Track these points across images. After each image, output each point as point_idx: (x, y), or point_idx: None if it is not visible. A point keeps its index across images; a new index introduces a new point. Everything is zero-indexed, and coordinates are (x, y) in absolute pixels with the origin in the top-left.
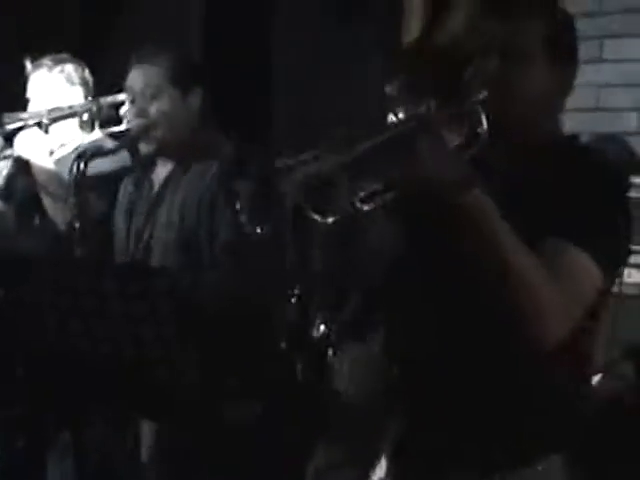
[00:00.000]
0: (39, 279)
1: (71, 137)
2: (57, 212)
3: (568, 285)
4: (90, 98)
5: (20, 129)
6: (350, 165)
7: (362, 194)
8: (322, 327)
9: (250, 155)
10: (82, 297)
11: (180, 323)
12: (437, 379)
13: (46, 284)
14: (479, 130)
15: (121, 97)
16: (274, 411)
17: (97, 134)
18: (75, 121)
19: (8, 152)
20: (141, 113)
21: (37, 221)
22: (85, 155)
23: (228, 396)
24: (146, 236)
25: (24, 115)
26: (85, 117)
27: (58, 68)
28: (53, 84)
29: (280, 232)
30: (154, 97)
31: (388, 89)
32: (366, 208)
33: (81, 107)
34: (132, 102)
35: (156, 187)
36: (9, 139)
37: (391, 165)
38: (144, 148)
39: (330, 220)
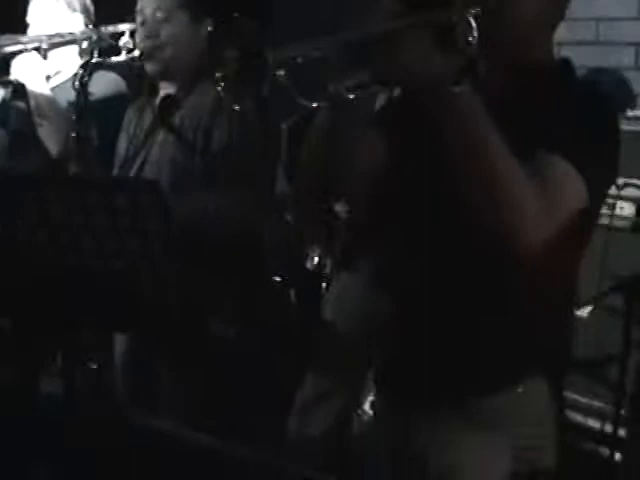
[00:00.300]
0: (28, 198)
1: (69, 64)
2: (50, 137)
3: (550, 189)
4: (91, 26)
5: (18, 53)
6: (338, 51)
7: (349, 82)
8: (315, 259)
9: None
10: (70, 212)
11: (168, 240)
12: (422, 305)
13: (36, 202)
14: (470, 39)
15: (122, 27)
16: (264, 338)
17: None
18: (74, 49)
19: (5, 77)
20: (150, 34)
21: (31, 146)
22: (88, 66)
23: (217, 316)
24: (141, 157)
25: (23, 39)
26: (85, 45)
27: None
28: (54, 10)
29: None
30: (164, 20)
31: None
32: (351, 96)
33: (81, 34)
34: (142, 24)
35: (157, 109)
36: (7, 62)
37: (380, 56)
38: (150, 68)
39: (314, 104)
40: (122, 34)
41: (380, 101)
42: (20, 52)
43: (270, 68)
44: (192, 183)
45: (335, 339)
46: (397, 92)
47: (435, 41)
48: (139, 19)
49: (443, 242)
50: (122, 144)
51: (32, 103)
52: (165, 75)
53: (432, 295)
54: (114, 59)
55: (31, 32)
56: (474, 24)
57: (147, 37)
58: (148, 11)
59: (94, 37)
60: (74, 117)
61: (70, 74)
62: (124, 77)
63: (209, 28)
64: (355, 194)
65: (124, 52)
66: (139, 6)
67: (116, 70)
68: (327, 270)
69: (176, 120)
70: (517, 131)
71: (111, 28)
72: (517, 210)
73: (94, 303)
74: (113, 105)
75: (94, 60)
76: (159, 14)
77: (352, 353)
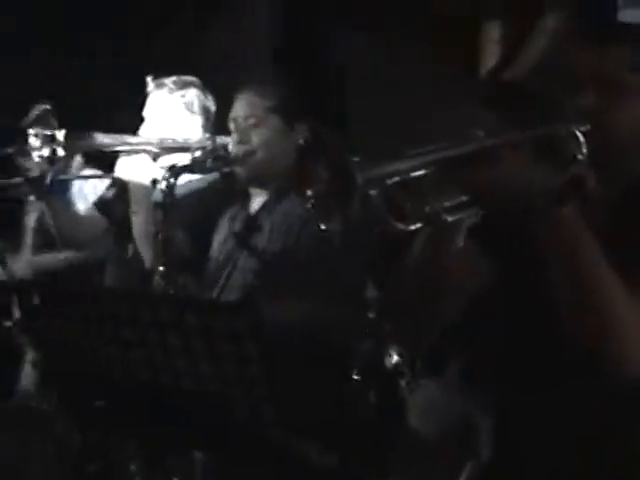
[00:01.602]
0: (123, 311)
1: None
2: (146, 246)
3: None
4: (208, 134)
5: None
6: (435, 171)
7: (447, 204)
8: (395, 357)
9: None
10: (167, 332)
11: (264, 361)
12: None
13: (131, 317)
14: (579, 156)
15: None
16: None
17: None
18: (187, 156)
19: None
20: (242, 140)
21: (127, 252)
22: (175, 170)
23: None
24: (231, 264)
25: (132, 139)
26: (198, 154)
27: (180, 92)
28: (171, 108)
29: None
30: (256, 126)
31: (470, 105)
32: (450, 219)
33: (195, 143)
34: (235, 131)
35: (249, 216)
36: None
37: (480, 177)
38: (242, 174)
39: (411, 227)
40: None
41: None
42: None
43: (360, 189)
44: (279, 290)
45: (417, 447)
46: (496, 212)
47: (538, 158)
48: (232, 126)
49: (540, 358)
50: (214, 247)
51: (133, 208)
52: (257, 180)
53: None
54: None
55: (145, 127)
56: (582, 140)
57: (239, 143)
58: (240, 117)
59: (209, 147)
60: (161, 219)
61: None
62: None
63: (300, 136)
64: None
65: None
66: (232, 113)
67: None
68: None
69: (267, 226)
70: (628, 257)
71: (228, 139)
72: (622, 342)
73: (185, 424)
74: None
75: (181, 164)
76: (251, 120)
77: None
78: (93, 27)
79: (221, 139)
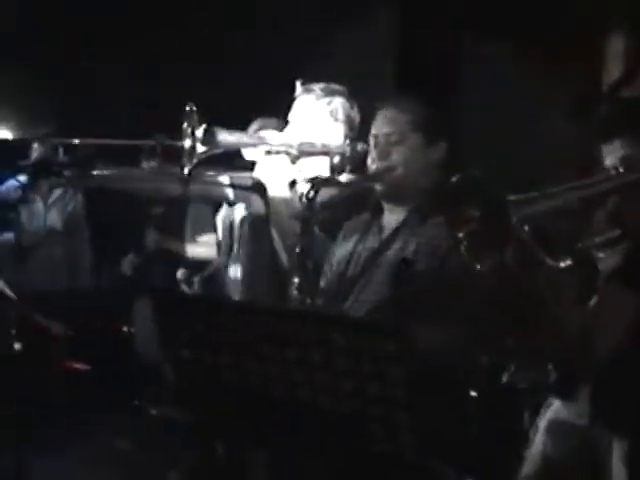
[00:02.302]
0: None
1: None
2: (283, 249)
3: None
4: (349, 140)
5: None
6: (583, 206)
7: (598, 239)
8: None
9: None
10: (309, 349)
11: (409, 385)
12: None
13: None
14: None
15: None
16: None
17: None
18: (326, 161)
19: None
20: (382, 156)
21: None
22: (316, 182)
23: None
24: (364, 277)
25: (272, 140)
26: (337, 160)
27: (326, 99)
28: (316, 114)
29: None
30: (397, 143)
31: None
32: (601, 255)
33: (334, 148)
34: (375, 146)
35: (385, 233)
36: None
37: (629, 210)
38: (379, 189)
39: (562, 264)
40: None
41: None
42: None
43: (514, 227)
44: (414, 312)
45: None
46: None
47: None
48: (372, 141)
49: None
50: (337, 258)
51: (272, 210)
52: (394, 197)
53: None
54: (342, 178)
55: (288, 130)
56: None
57: (378, 159)
58: (382, 134)
59: (347, 153)
60: (299, 231)
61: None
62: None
63: (442, 154)
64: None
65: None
66: (373, 129)
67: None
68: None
69: (411, 245)
70: None
71: (367, 147)
72: None
73: (320, 443)
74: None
75: (322, 177)
76: (392, 137)
77: None
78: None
79: (361, 146)
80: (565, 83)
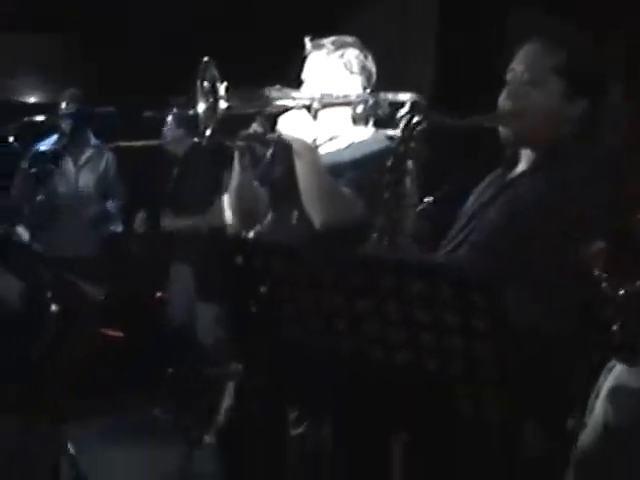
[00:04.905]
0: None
1: (342, 130)
2: (315, 211)
3: None
4: (369, 90)
5: (287, 109)
6: None
7: None
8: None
9: None
10: (389, 299)
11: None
12: None
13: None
14: None
15: (403, 96)
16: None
17: (371, 131)
18: (347, 114)
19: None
20: (513, 96)
21: (294, 217)
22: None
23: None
24: (464, 233)
25: (294, 93)
26: (359, 110)
27: (338, 52)
28: (330, 69)
29: None
30: (531, 83)
31: None
32: None
33: (357, 98)
34: (511, 83)
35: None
36: (274, 117)
37: None
38: (504, 132)
39: None
40: (402, 105)
41: None
42: (289, 108)
43: None
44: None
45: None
46: None
47: None
48: (509, 76)
49: None
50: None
51: (299, 168)
52: (517, 142)
53: None
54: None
55: (304, 90)
56: None
57: (509, 97)
58: (517, 70)
59: (370, 102)
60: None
61: (346, 142)
62: None
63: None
64: None
65: (402, 124)
66: (512, 64)
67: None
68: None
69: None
70: None
71: (390, 95)
72: None
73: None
74: None
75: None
76: (527, 75)
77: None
78: None
79: (383, 95)
80: None
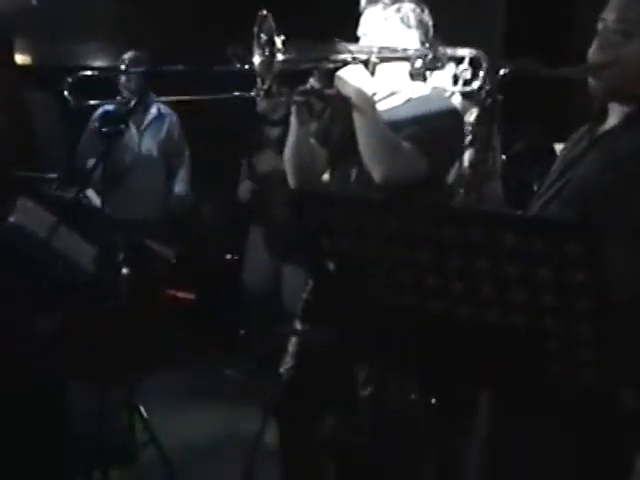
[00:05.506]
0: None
1: (400, 85)
2: (375, 165)
3: None
4: (427, 45)
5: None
6: None
7: None
8: None
9: None
10: (472, 254)
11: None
12: None
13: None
14: None
15: (462, 51)
16: None
17: (429, 87)
18: (405, 70)
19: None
20: (604, 46)
21: (353, 174)
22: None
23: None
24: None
25: (353, 47)
26: (418, 64)
27: (395, 7)
28: (386, 24)
29: None
30: (625, 34)
31: None
32: None
33: (415, 52)
34: (603, 33)
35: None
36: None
37: None
38: (594, 85)
39: None
40: (462, 60)
41: None
42: (347, 63)
43: None
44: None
45: None
46: None
47: None
48: (600, 25)
49: None
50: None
51: (358, 123)
52: (609, 95)
53: None
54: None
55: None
56: None
57: (599, 48)
58: (609, 19)
59: (429, 56)
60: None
61: (404, 97)
62: None
63: None
64: None
65: (460, 81)
66: (603, 14)
67: None
68: None
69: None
70: None
71: (450, 50)
72: None
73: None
74: None
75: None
76: (620, 25)
77: None
78: None
79: (442, 49)
80: None
